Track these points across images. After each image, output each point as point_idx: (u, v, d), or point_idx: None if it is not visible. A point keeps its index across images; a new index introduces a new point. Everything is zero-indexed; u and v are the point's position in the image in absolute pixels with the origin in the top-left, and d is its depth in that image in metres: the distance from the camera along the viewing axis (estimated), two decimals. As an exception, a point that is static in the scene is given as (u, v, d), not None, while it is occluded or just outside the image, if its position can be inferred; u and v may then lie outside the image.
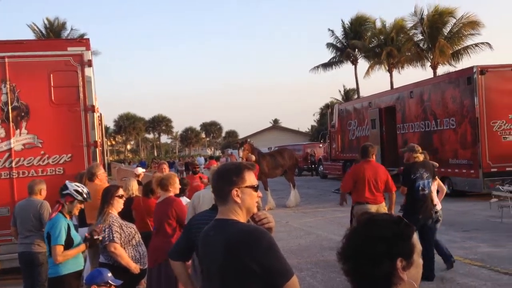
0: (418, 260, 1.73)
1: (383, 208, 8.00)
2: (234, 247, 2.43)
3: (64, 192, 4.98)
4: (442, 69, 36.79)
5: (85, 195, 5.02)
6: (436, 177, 8.32)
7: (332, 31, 42.89)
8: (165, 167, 10.42)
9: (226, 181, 2.61)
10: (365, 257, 1.68)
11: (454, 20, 35.65)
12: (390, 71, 38.78)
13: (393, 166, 21.07)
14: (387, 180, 8.12)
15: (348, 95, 59.46)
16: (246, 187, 2.61)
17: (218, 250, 2.49)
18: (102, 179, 7.37)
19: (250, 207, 2.64)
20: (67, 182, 5.20)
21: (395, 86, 34.59)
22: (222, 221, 2.58)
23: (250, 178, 2.66)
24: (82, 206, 5.19)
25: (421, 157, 8.18)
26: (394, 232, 1.69)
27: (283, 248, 9.23)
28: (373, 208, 7.71)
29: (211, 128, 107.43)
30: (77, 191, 4.95)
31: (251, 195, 2.64)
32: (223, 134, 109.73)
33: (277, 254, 2.44)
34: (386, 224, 1.72)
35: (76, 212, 5.08)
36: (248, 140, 20.26)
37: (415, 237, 1.75)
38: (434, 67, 35.88)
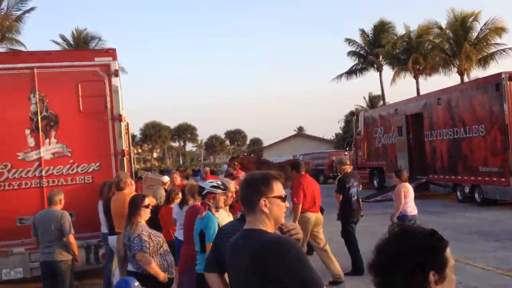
0: (450, 275, 1.69)
1: (320, 216, 8.75)
2: (262, 257, 2.41)
3: (204, 192, 5.03)
4: (471, 75, 36.15)
5: (222, 186, 5.07)
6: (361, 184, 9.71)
7: (351, 41, 42.58)
8: (176, 176, 10.53)
9: (254, 190, 2.59)
10: (397, 269, 1.64)
11: (479, 25, 35.10)
12: (416, 77, 38.34)
13: (421, 174, 20.80)
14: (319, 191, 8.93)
15: (373, 102, 58.97)
16: (274, 197, 2.59)
17: (245, 261, 2.47)
18: (130, 188, 7.45)
19: (278, 217, 2.62)
20: (200, 183, 5.37)
21: (421, 93, 34.20)
22: (250, 231, 2.56)
23: (278, 188, 2.63)
24: (225, 197, 5.18)
25: (349, 169, 9.49)
26: (427, 245, 1.65)
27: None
28: (313, 216, 8.46)
29: (235, 136, 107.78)
30: (213, 186, 5.02)
31: (279, 206, 2.61)
32: (248, 142, 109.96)
33: (306, 264, 2.41)
34: (419, 236, 1.68)
35: (221, 204, 5.10)
36: (243, 154, 20.10)
37: (449, 251, 1.71)
38: (460, 73, 35.35)
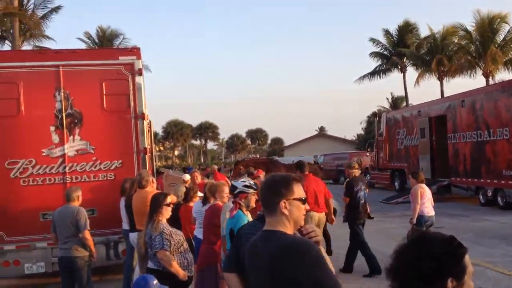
0: (469, 282, 1.68)
1: (323, 216, 8.91)
2: (281, 259, 2.42)
3: (236, 191, 5.08)
4: (496, 77, 35.49)
5: (254, 186, 5.13)
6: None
7: (375, 40, 42.17)
8: (196, 175, 10.45)
9: (274, 192, 2.61)
10: (415, 275, 1.64)
11: (507, 27, 34.44)
12: (440, 79, 37.84)
13: (444, 176, 20.57)
14: (324, 191, 9.06)
15: (396, 103, 58.38)
16: (294, 199, 2.60)
17: (265, 262, 2.49)
18: (152, 186, 7.53)
19: (298, 219, 2.63)
20: (233, 182, 5.41)
21: (445, 95, 33.74)
22: (270, 233, 2.58)
23: (299, 190, 2.65)
24: (257, 196, 5.22)
25: (357, 173, 9.69)
26: (446, 251, 1.65)
27: (330, 260, 9.16)
28: (315, 216, 8.59)
29: (256, 135, 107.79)
30: (246, 186, 5.07)
31: (299, 208, 2.63)
32: (269, 141, 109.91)
33: (324, 267, 2.41)
34: (438, 243, 1.67)
35: (253, 204, 5.14)
36: (249, 157, 19.81)
37: (467, 258, 1.70)
38: (486, 76, 34.77)
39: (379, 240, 11.93)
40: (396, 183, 25.02)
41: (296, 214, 2.61)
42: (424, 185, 9.31)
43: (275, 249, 2.46)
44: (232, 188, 5.26)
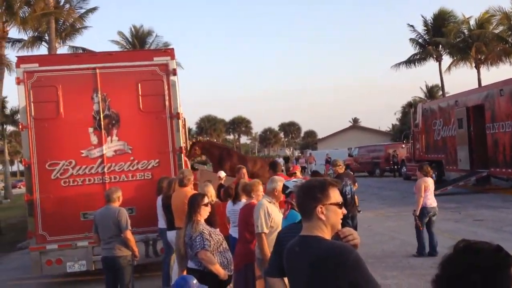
0: None
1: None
2: (320, 264, 2.42)
3: (287, 191, 5.15)
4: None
5: None
6: (356, 183, 10.27)
7: (412, 26, 41.31)
8: (245, 171, 10.22)
9: (310, 197, 2.60)
10: (459, 286, 1.62)
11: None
12: (477, 67, 36.86)
13: (483, 167, 20.10)
14: None
15: (431, 92, 57.19)
16: (331, 204, 2.59)
17: (303, 267, 2.49)
18: (191, 185, 7.62)
19: (335, 224, 2.62)
20: (285, 182, 5.39)
21: (483, 84, 32.87)
22: (307, 238, 2.58)
23: (335, 195, 2.63)
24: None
25: (341, 169, 10.25)
26: (493, 262, 1.62)
27: (366, 254, 9.11)
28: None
29: (289, 128, 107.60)
30: (297, 186, 5.11)
31: (336, 212, 2.61)
32: (302, 134, 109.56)
33: (364, 271, 2.41)
34: (485, 253, 1.64)
35: None
36: (202, 138, 18.19)
37: None
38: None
39: (414, 233, 11.76)
40: (433, 175, 24.58)
41: (333, 219, 2.60)
42: (427, 179, 9.87)
43: (314, 255, 2.46)
44: (284, 188, 5.26)
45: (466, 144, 21.06)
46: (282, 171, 11.43)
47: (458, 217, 14.11)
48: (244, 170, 10.30)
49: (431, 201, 9.82)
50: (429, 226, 9.86)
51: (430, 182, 9.88)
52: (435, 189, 20.22)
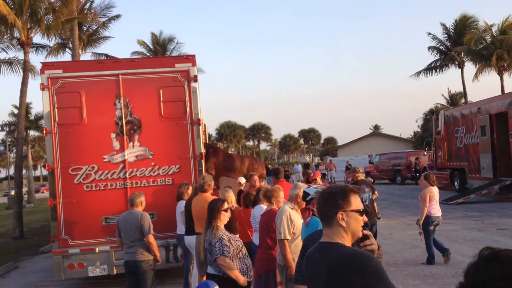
0: None
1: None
2: (339, 271, 2.41)
3: (308, 198, 5.15)
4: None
5: None
6: (376, 190, 10.09)
7: (433, 35, 40.93)
8: (256, 178, 10.22)
9: (331, 204, 2.59)
10: None
11: None
12: (500, 74, 36.32)
13: (506, 175, 19.78)
14: None
15: (454, 99, 56.51)
16: (352, 210, 2.58)
17: (323, 274, 2.48)
18: (211, 191, 7.66)
19: (356, 231, 2.60)
20: (305, 189, 5.36)
21: (505, 91, 32.38)
22: (327, 245, 2.57)
23: (356, 201, 2.62)
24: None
25: (361, 176, 10.22)
26: None
27: (387, 262, 9.03)
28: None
29: (309, 135, 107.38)
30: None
31: (357, 219, 2.60)
32: (322, 141, 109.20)
33: (385, 279, 2.38)
34: (510, 261, 1.62)
35: None
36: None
37: None
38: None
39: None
40: (456, 183, 24.24)
41: (354, 226, 2.58)
42: (432, 188, 9.83)
43: (333, 261, 2.45)
44: (304, 195, 5.24)
45: (489, 151, 20.76)
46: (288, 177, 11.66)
47: (481, 226, 13.89)
48: (256, 177, 10.34)
49: (436, 210, 9.81)
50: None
51: (435, 191, 9.87)
52: (458, 198, 20.20)
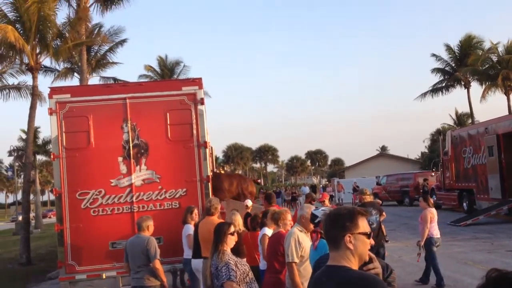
0: None
1: None
2: (347, 295, 2.39)
3: (316, 221, 5.08)
4: None
5: None
6: (383, 212, 9.78)
7: (437, 56, 40.98)
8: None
9: (339, 226, 2.56)
10: None
11: None
12: (507, 94, 36.25)
13: (515, 196, 19.60)
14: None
15: (461, 120, 56.40)
16: (359, 233, 2.55)
17: (330, 298, 2.46)
18: (218, 214, 7.61)
19: (363, 254, 2.57)
20: (313, 211, 5.27)
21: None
22: (334, 268, 2.53)
23: (363, 224, 2.59)
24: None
25: (369, 198, 10.05)
26: None
27: (398, 285, 8.88)
28: None
29: (316, 156, 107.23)
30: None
31: (364, 242, 2.57)
32: (329, 162, 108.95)
33: None
34: None
35: None
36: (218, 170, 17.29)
37: None
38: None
39: (447, 264, 11.48)
40: (464, 204, 24.04)
41: (361, 249, 2.55)
42: (433, 209, 9.97)
43: (341, 285, 2.43)
44: (312, 217, 5.19)
45: (497, 172, 20.61)
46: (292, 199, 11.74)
47: (490, 248, 13.72)
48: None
49: (437, 232, 9.91)
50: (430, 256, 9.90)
51: (434, 212, 10.00)
52: (467, 219, 19.98)
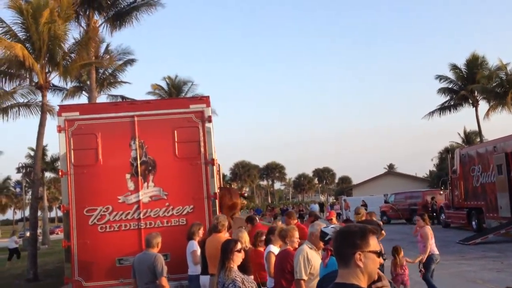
0: None
1: None
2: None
3: (327, 238, 5.04)
4: None
5: None
6: (383, 231, 9.87)
7: (443, 76, 40.88)
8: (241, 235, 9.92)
9: (349, 243, 2.54)
10: None
11: None
12: (515, 113, 36.05)
13: (525, 215, 19.42)
14: None
15: (469, 138, 56.16)
16: (370, 251, 2.53)
17: (338, 315, 2.44)
18: (225, 231, 7.59)
19: (372, 272, 2.55)
20: (322, 228, 5.16)
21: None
22: (343, 285, 2.51)
23: (374, 242, 2.56)
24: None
25: (363, 217, 10.11)
26: None
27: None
28: None
29: (323, 174, 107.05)
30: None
31: (374, 261, 2.54)
32: (336, 180, 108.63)
33: None
34: None
35: None
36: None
37: None
38: None
39: (456, 283, 11.35)
40: (473, 223, 23.82)
41: (371, 267, 2.53)
42: (429, 227, 10.10)
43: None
44: (322, 235, 5.15)
45: (506, 190, 20.45)
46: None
47: (500, 267, 13.56)
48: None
49: (436, 249, 10.07)
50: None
51: (431, 230, 10.17)
52: (476, 238, 19.79)
